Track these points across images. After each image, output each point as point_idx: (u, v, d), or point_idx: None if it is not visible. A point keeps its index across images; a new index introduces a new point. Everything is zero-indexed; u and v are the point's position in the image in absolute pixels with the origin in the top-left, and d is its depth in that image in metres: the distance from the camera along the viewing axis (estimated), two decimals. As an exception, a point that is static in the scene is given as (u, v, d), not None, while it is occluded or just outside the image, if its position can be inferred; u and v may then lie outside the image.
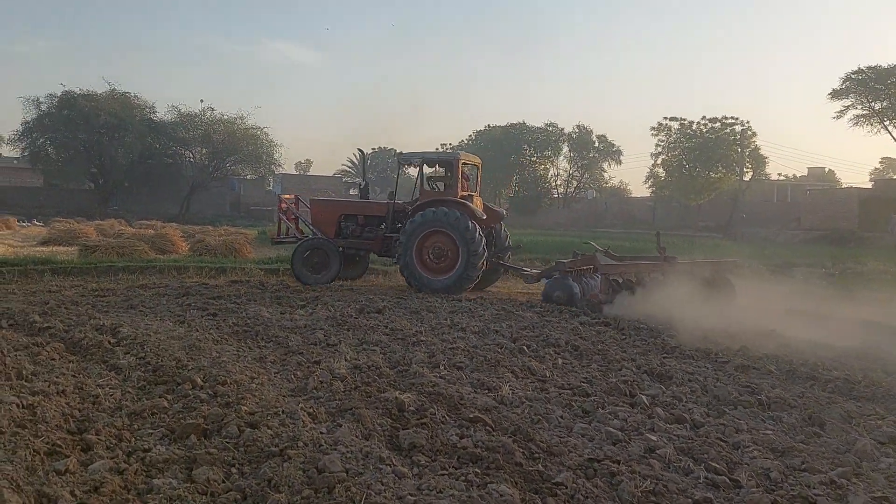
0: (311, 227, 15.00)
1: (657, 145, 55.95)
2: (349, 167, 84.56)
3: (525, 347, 7.86)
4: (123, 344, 7.36)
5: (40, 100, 47.12)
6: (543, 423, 5.14)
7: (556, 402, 5.68)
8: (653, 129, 55.49)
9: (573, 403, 5.65)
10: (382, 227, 14.59)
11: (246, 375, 6.12)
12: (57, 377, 5.89)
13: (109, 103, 47.00)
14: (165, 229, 23.59)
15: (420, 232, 13.35)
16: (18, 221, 33.91)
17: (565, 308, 11.32)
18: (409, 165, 14.63)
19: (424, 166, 14.39)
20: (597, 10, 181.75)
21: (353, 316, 9.95)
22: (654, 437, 4.80)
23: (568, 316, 10.55)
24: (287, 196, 16.02)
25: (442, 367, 6.75)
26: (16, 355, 6.68)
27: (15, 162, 59.74)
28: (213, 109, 52.34)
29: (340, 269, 14.29)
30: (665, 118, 54.83)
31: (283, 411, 5.03)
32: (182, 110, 51.97)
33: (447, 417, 5.13)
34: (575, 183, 71.69)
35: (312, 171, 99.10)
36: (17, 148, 49.31)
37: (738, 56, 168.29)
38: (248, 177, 59.29)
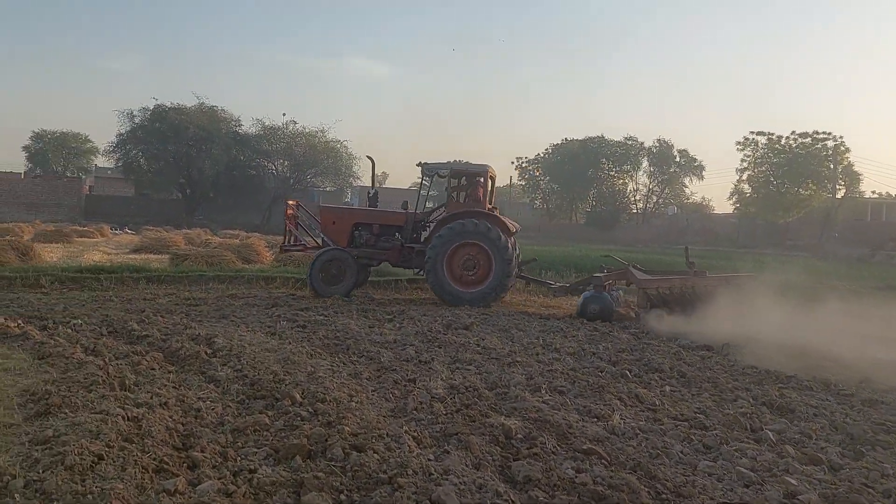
0: (321, 235, 14.40)
1: (743, 160, 54.27)
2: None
3: (627, 372, 7.47)
4: (220, 355, 7.35)
5: (134, 113, 49.32)
6: (663, 458, 4.76)
7: (673, 435, 5.28)
8: (738, 143, 53.84)
9: (692, 437, 5.24)
10: (397, 236, 14.24)
11: (344, 392, 5.97)
12: (159, 388, 5.87)
13: (198, 116, 48.76)
14: (250, 239, 24.06)
15: (452, 243, 13.14)
16: (111, 229, 35.39)
17: (660, 329, 10.82)
18: (436, 176, 14.23)
19: (452, 177, 14.04)
20: (681, 21, 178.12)
21: (440, 332, 9.77)
22: (793, 481, 4.35)
23: (666, 338, 10.05)
24: (291, 202, 15.24)
25: (543, 391, 6.45)
26: (117, 364, 6.75)
27: (109, 172, 62.71)
28: (295, 123, 53.71)
29: (357, 280, 13.80)
30: (751, 132, 53.09)
31: (387, 434, 4.83)
32: (266, 123, 53.47)
33: (558, 448, 4.82)
34: (655, 198, 70.08)
35: (388, 184, 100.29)
36: (112, 159, 51.71)
37: (827, 67, 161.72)
38: (328, 189, 60.38)
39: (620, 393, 6.47)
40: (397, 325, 10.35)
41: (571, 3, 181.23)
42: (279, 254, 15.99)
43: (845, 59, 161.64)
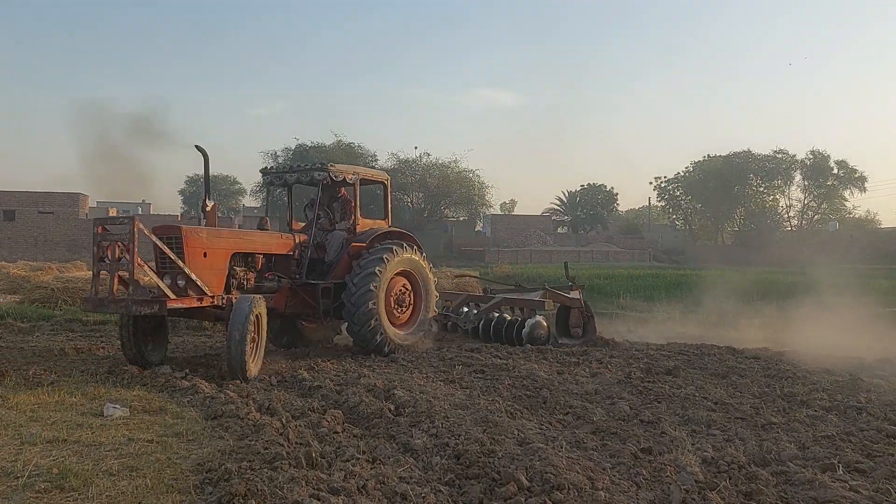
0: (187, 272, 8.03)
1: (918, 168, 48.69)
2: (557, 205, 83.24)
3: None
4: (406, 413, 6.30)
5: (277, 153, 51.26)
6: None
7: None
8: (912, 149, 48.40)
9: None
10: (260, 268, 9.55)
11: (579, 473, 4.67)
12: (352, 465, 4.83)
13: (336, 154, 49.96)
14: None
15: (390, 274, 9.87)
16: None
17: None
18: (333, 183, 10.56)
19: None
20: (833, 24, 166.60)
21: (643, 378, 8.30)
22: None
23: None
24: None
25: (840, 470, 4.86)
26: (296, 426, 5.83)
27: (255, 211, 65.50)
28: (428, 155, 53.93)
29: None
30: (928, 136, 47.62)
31: (674, 549, 3.48)
32: (400, 157, 54.03)
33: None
34: (811, 214, 64.80)
35: (517, 211, 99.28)
36: (258, 198, 53.91)
37: None
38: (460, 218, 60.10)
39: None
40: (587, 369, 8.97)
41: (691, 9, 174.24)
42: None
43: None
